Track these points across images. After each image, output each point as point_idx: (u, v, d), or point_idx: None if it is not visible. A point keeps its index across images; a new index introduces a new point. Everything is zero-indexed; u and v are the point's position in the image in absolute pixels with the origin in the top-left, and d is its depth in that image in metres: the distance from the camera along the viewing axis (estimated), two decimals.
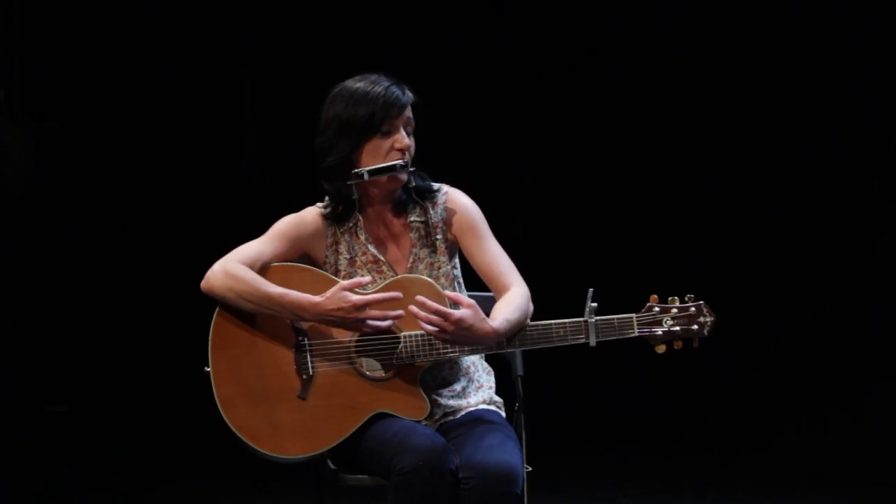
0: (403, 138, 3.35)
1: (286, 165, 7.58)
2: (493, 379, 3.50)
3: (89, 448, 6.65)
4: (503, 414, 3.45)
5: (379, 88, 3.34)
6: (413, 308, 3.21)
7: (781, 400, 6.50)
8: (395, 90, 3.35)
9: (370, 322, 3.23)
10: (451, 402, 3.39)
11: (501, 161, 7.32)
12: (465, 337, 3.21)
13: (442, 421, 3.36)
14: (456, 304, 3.26)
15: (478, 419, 3.34)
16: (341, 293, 3.22)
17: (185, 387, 7.06)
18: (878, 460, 6.00)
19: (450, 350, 3.26)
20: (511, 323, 3.26)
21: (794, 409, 6.43)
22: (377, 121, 3.32)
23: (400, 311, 3.24)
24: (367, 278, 3.31)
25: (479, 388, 3.44)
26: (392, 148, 3.34)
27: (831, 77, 6.34)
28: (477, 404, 3.41)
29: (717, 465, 6.42)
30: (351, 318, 3.23)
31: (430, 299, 3.23)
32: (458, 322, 3.19)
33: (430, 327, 3.20)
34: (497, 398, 3.47)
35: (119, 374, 7.43)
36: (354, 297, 3.22)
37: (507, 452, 3.19)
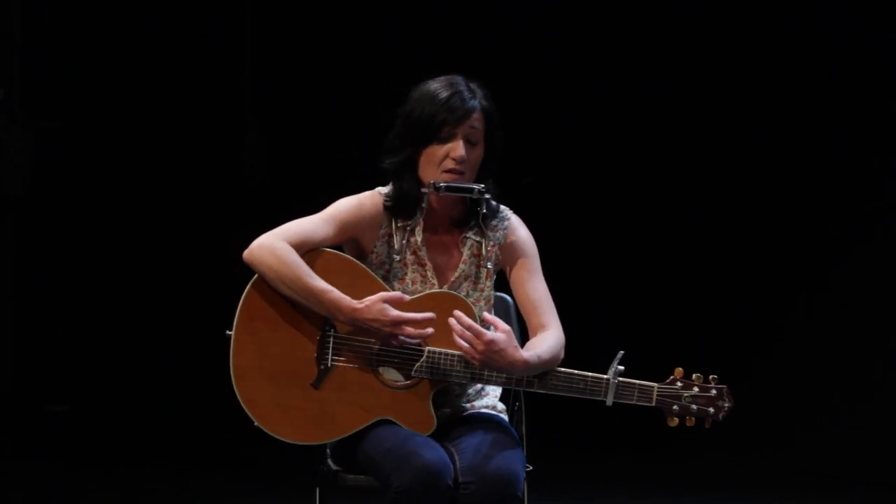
0: (459, 148, 3.29)
1: (286, 165, 7.60)
2: (499, 388, 3.48)
3: (89, 448, 6.65)
4: (506, 418, 3.44)
5: (446, 92, 3.29)
6: (451, 321, 3.19)
7: (781, 400, 6.49)
8: (464, 95, 3.30)
9: (402, 337, 3.22)
10: (457, 406, 3.39)
11: (500, 160, 7.31)
12: (493, 360, 3.17)
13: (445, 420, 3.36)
14: (490, 326, 3.22)
15: (480, 421, 3.33)
16: (381, 305, 3.20)
17: (185, 386, 7.10)
18: (878, 460, 6.00)
19: (467, 375, 3.24)
20: (541, 360, 3.21)
21: (794, 408, 6.43)
22: (436, 125, 3.27)
23: (431, 330, 3.22)
24: (407, 296, 3.26)
25: (485, 396, 3.45)
26: (447, 156, 3.29)
27: (830, 66, 6.34)
28: (481, 408, 3.41)
29: (716, 465, 6.42)
30: (386, 332, 3.21)
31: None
32: (490, 343, 3.15)
33: (462, 343, 3.17)
34: (500, 405, 3.47)
35: (118, 373, 7.43)
36: (393, 313, 3.20)
37: (507, 457, 3.17)
